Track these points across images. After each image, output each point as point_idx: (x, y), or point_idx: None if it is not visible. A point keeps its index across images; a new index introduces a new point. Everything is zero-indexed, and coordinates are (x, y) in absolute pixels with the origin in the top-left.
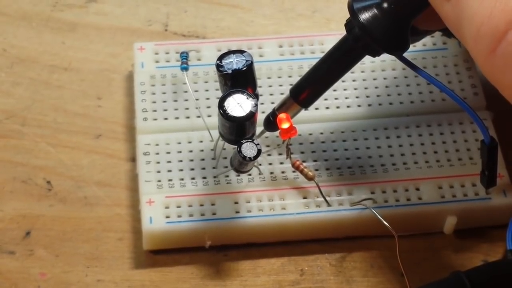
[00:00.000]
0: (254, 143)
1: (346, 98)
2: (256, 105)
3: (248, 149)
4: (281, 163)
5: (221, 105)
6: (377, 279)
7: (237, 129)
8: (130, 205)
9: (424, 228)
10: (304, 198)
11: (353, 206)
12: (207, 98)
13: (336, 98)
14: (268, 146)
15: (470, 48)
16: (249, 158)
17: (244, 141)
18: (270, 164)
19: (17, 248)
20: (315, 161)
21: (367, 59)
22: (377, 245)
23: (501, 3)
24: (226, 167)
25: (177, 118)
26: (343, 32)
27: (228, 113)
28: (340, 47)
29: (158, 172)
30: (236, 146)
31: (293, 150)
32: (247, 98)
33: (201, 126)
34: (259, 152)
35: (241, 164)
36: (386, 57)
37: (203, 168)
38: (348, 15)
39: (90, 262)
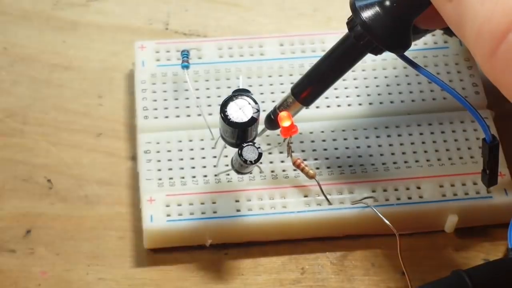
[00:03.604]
0: (255, 146)
1: (347, 96)
2: (258, 110)
3: (249, 152)
4: (282, 161)
5: (222, 110)
6: (378, 277)
7: (238, 134)
8: (131, 203)
9: (425, 226)
10: (305, 196)
11: (354, 204)
12: (208, 97)
13: (337, 97)
14: (269, 144)
15: (472, 48)
16: (250, 161)
17: (245, 144)
18: (271, 162)
19: (18, 247)
20: (316, 159)
21: (368, 57)
22: (378, 244)
23: (502, 4)
24: (227, 165)
25: (178, 116)
26: (344, 31)
27: (230, 119)
28: (342, 45)
29: (159, 170)
30: (237, 149)
31: (294, 149)
32: (249, 103)
33: (202, 124)
34: (260, 155)
35: (242, 166)
36: (387, 55)
37: (204, 167)
38: (349, 14)
39: (91, 260)
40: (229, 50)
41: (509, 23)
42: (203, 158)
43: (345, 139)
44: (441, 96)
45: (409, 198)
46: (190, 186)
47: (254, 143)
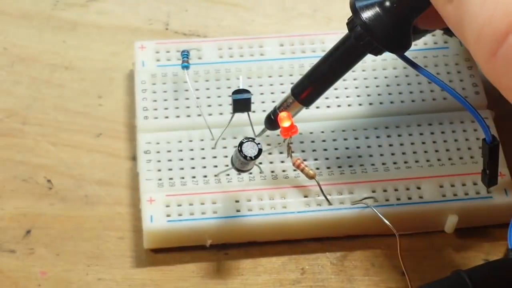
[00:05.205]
0: (255, 142)
1: (347, 96)
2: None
3: (249, 148)
4: (282, 161)
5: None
6: (378, 278)
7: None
8: (130, 203)
9: (425, 227)
10: (305, 196)
11: (354, 204)
12: (208, 97)
13: (337, 97)
14: (269, 144)
15: (472, 50)
16: (250, 157)
17: (245, 140)
18: (271, 162)
19: (18, 247)
20: (316, 159)
21: (368, 57)
22: (378, 244)
23: (502, 6)
24: (227, 165)
25: (178, 116)
26: (344, 31)
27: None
28: (342, 45)
29: (159, 170)
30: (237, 146)
31: (294, 149)
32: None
33: (202, 124)
34: (259, 151)
35: (242, 164)
36: (387, 55)
37: (204, 167)
38: (349, 14)
39: (91, 260)
40: (229, 50)
41: (509, 25)
42: (203, 158)
43: (345, 139)
44: (441, 96)
45: (409, 198)
46: (190, 186)
47: (254, 139)
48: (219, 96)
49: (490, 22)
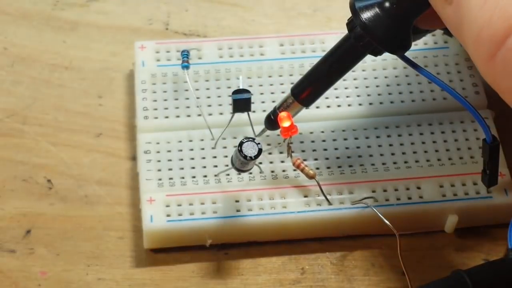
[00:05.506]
0: (255, 142)
1: (347, 96)
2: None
3: (249, 148)
4: (282, 161)
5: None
6: (378, 278)
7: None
8: (130, 203)
9: (425, 226)
10: (305, 196)
11: (354, 204)
12: (208, 97)
13: (337, 97)
14: (269, 144)
15: (470, 52)
16: (250, 157)
17: (245, 140)
18: (271, 162)
19: (18, 247)
20: (316, 159)
21: (368, 57)
22: (378, 244)
23: (501, 9)
24: (227, 165)
25: (178, 116)
26: (344, 31)
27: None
28: (342, 46)
29: (159, 170)
30: (237, 146)
31: (294, 149)
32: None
33: (202, 124)
34: (259, 151)
35: (242, 163)
36: (387, 55)
37: (204, 167)
38: (349, 14)
39: (91, 260)
40: (229, 50)
41: (508, 28)
42: (203, 158)
43: (345, 139)
44: (441, 96)
45: (409, 198)
46: (190, 186)
47: (254, 139)
48: (219, 96)
49: (489, 25)
